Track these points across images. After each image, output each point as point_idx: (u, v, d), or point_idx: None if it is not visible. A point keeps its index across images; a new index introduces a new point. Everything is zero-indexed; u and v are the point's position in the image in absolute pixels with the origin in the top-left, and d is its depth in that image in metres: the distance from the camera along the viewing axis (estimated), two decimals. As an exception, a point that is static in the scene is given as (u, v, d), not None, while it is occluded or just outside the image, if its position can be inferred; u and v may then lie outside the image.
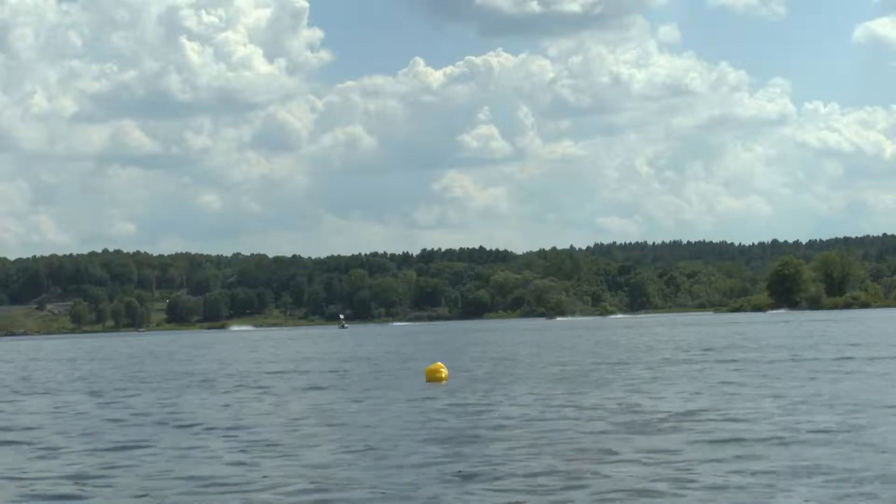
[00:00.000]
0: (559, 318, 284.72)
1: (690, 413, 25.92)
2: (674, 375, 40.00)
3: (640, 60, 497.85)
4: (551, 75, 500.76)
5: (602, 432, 22.90)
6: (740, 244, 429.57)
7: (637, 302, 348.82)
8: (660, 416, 25.58)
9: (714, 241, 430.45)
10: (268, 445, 22.67)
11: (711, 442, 20.81)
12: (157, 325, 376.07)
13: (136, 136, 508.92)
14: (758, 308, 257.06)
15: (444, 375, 41.96)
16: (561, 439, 21.97)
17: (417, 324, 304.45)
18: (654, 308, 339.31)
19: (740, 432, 21.98)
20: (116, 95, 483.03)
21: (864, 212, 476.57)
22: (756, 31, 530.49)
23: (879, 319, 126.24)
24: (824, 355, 49.59)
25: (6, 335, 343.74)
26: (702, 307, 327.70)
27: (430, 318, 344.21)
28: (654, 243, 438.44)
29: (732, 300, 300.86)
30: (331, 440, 23.29)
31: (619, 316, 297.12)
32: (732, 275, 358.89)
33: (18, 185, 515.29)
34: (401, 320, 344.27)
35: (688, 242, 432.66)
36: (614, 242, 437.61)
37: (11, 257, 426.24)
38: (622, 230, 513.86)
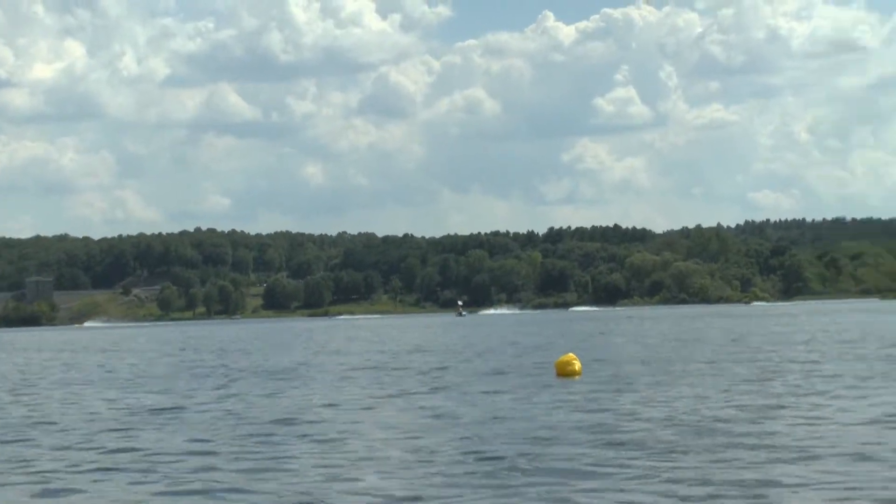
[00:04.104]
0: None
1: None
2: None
3: (802, 12, 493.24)
4: (699, 30, 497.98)
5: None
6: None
7: (793, 287, 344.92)
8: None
9: (882, 219, 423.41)
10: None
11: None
12: (253, 311, 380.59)
13: (234, 101, 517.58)
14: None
15: (576, 369, 42.37)
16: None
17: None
18: (812, 294, 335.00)
19: None
20: (212, 56, 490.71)
21: None
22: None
23: None
24: None
25: (88, 322, 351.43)
26: (866, 293, 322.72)
27: (557, 305, 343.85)
28: (813, 221, 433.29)
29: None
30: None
31: (771, 304, 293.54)
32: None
33: (103, 157, 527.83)
34: (524, 307, 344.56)
35: (852, 220, 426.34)
36: (767, 220, 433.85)
37: (95, 236, 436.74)
38: (777, 206, 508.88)
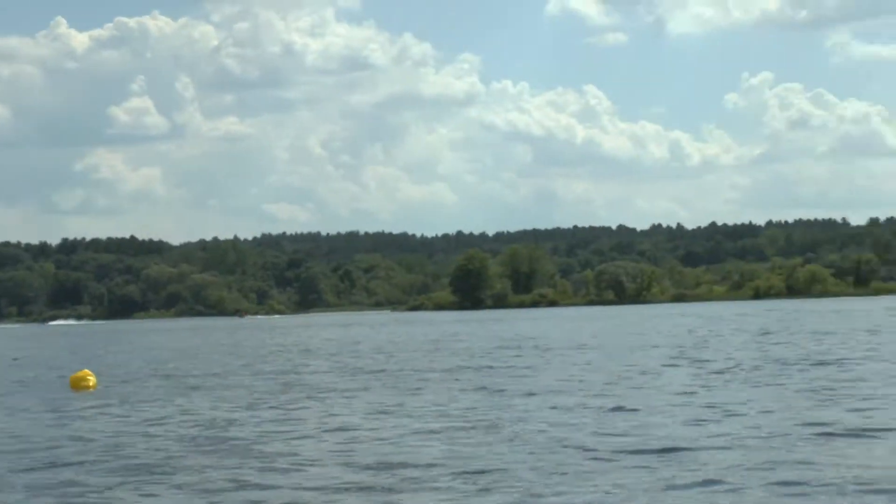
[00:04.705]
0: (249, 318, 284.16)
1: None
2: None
3: (316, 29, 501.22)
4: (215, 43, 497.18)
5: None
6: (422, 236, 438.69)
7: (308, 299, 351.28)
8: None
9: (394, 233, 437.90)
10: None
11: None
12: None
13: None
14: (440, 306, 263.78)
15: (90, 384, 42.24)
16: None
17: (73, 323, 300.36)
18: (327, 307, 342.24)
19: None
20: None
21: (554, 201, 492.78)
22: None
23: (543, 319, 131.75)
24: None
25: None
26: (379, 305, 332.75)
27: (70, 317, 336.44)
28: (328, 234, 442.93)
29: (412, 297, 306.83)
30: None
31: (266, 316, 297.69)
32: (413, 270, 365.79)
33: None
34: (36, 320, 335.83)
35: (365, 233, 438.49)
36: (284, 233, 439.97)
37: None
38: (292, 219, 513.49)
